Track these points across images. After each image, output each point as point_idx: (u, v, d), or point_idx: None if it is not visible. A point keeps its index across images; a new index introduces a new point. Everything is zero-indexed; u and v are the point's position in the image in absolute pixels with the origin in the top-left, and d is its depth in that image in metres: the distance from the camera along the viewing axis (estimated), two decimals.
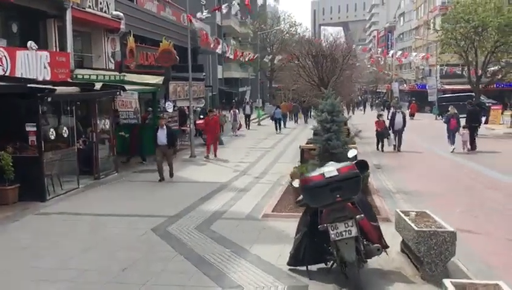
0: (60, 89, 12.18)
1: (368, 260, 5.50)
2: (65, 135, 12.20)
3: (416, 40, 67.45)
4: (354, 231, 5.10)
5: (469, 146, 18.34)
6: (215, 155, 17.44)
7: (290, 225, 7.96)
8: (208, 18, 31.81)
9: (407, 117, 37.79)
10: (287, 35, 49.32)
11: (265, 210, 9.18)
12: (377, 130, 18.05)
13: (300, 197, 5.89)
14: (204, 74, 27.39)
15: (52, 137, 11.67)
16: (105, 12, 18.68)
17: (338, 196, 5.13)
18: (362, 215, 5.23)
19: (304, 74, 12.02)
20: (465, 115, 19.67)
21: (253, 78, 63.14)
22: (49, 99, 11.14)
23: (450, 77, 54.33)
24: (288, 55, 20.82)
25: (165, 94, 20.33)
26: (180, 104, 21.23)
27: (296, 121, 37.75)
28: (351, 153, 5.99)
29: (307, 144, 14.57)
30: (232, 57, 31.05)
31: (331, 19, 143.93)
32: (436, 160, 16.91)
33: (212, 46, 35.19)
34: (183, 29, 23.37)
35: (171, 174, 13.27)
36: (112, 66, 19.94)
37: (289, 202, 9.88)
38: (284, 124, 32.01)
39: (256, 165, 16.14)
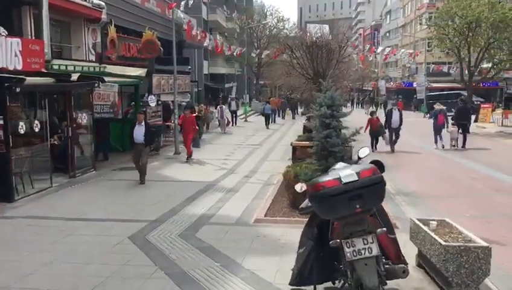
0: (31, 80, 11.13)
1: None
2: (36, 130, 11.12)
3: (403, 38, 67.17)
4: (375, 249, 4.15)
5: (458, 143, 18.03)
6: (187, 158, 15.47)
7: (286, 232, 7.11)
8: (194, 12, 30.76)
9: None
10: (275, 30, 48.37)
11: (257, 214, 8.28)
12: (371, 129, 17.15)
13: (304, 204, 4.97)
14: (190, 67, 26.30)
15: (22, 131, 10.59)
16: (85, 0, 17.54)
17: (358, 206, 4.13)
18: (384, 229, 4.29)
19: (298, 66, 11.14)
20: (453, 113, 19.60)
21: (240, 74, 62.25)
22: (18, 89, 10.07)
23: (436, 75, 54.11)
24: (279, 47, 19.72)
25: (149, 88, 19.25)
26: (165, 99, 20.17)
27: (283, 117, 37.14)
28: (362, 152, 5.09)
29: (297, 140, 13.71)
30: (219, 50, 29.97)
31: (317, 16, 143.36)
32: (432, 159, 16.20)
33: (198, 39, 34.23)
34: (168, 22, 22.32)
35: (142, 178, 11.62)
36: (92, 57, 18.85)
37: (282, 205, 9.01)
38: (274, 120, 32.04)
39: (244, 163, 15.24)
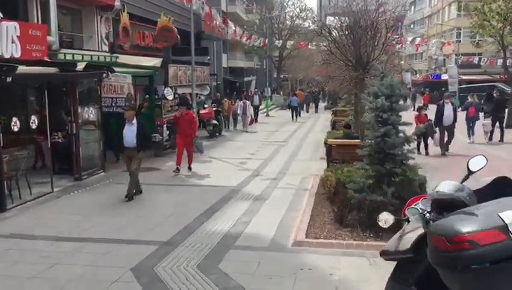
0: (28, 69, 9.64)
1: None
2: (33, 126, 9.61)
3: (429, 28, 64.54)
4: None
5: (491, 137, 16.72)
6: (190, 168, 12.16)
7: (337, 262, 5.43)
8: (213, 3, 29.22)
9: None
10: (297, 20, 46.44)
11: (295, 234, 6.58)
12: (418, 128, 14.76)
13: (392, 245, 3.23)
14: (209, 57, 24.64)
15: (16, 129, 9.09)
16: None
17: None
18: None
19: (338, 52, 9.40)
20: (484, 104, 18.68)
21: (259, 67, 60.44)
22: (9, 79, 8.55)
23: (465, 67, 51.56)
24: (305, 37, 17.45)
25: (165, 80, 17.68)
26: (182, 91, 18.61)
27: (307, 111, 35.54)
28: (476, 163, 3.31)
29: (331, 138, 11.96)
30: (243, 40, 28.20)
31: (337, 8, 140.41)
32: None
33: (217, 30, 32.58)
34: (186, 12, 20.71)
35: (128, 191, 9.09)
36: (106, 48, 17.41)
37: (324, 219, 7.30)
38: (299, 113, 31.02)
39: (270, 163, 13.55)
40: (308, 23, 49.72)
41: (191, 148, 12.23)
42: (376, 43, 9.31)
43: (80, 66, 11.67)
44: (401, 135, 6.69)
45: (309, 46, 41.24)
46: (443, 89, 47.68)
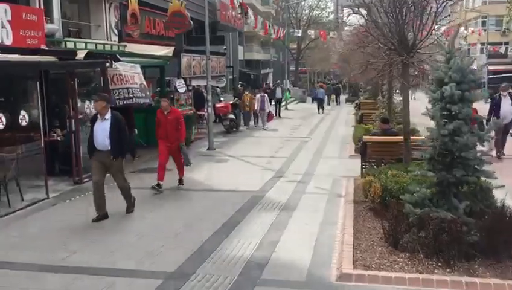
0: (15, 57, 8.37)
1: None
2: (23, 123, 8.31)
3: (452, 16, 62.12)
4: None
5: None
6: (181, 182, 9.37)
7: None
8: None
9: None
10: (317, 10, 44.66)
11: (339, 261, 5.12)
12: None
13: None
14: (225, 47, 23.17)
15: (1, 126, 7.81)
16: None
17: None
18: None
19: (377, 33, 7.90)
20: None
21: (275, 60, 58.82)
22: None
23: (491, 56, 49.29)
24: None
25: (178, 71, 16.30)
26: (196, 83, 17.23)
27: (328, 104, 34.01)
28: None
29: (364, 133, 10.44)
30: (261, 31, 26.52)
31: (353, 1, 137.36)
32: None
33: (233, 21, 31.13)
34: (201, 0, 19.29)
35: (128, 208, 7.46)
36: (115, 38, 16.13)
37: (372, 239, 5.82)
38: (322, 106, 29.37)
39: (294, 161, 12.10)
40: (326, 13, 48.03)
41: (178, 156, 9.26)
42: (424, 21, 7.81)
43: (80, 55, 10.39)
44: (473, 132, 5.18)
45: (331, 36, 39.74)
46: None
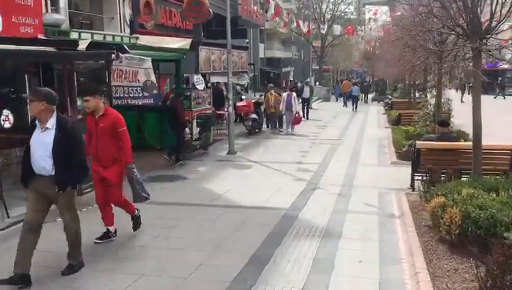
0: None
1: None
2: (6, 125, 6.86)
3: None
4: None
5: None
6: (136, 221, 6.14)
7: None
8: None
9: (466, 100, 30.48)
10: (343, 4, 42.84)
11: None
12: None
13: None
14: (247, 40, 21.58)
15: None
16: None
17: None
18: None
19: (442, 14, 6.22)
20: None
21: (297, 58, 57.09)
22: None
23: None
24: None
25: (196, 66, 14.80)
26: (216, 80, 15.69)
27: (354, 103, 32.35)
28: None
29: (424, 140, 8.72)
30: (292, 26, 24.68)
31: None
32: None
33: (254, 16, 29.66)
34: None
35: (69, 265, 4.91)
36: (129, 31, 14.83)
37: (453, 281, 4.17)
38: (345, 104, 29.60)
39: (328, 169, 10.46)
40: (352, 8, 46.14)
41: (113, 190, 5.77)
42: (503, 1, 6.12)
43: (82, 46, 8.95)
44: None
45: (357, 32, 37.87)
46: (499, 78, 43.18)
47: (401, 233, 5.87)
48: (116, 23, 15.16)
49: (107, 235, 5.83)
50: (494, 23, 6.34)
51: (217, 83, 16.23)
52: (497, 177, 6.90)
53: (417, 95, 20.68)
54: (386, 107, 24.52)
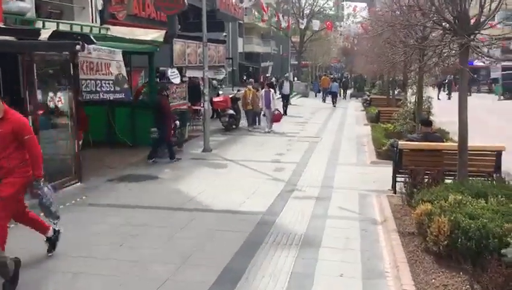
0: None
1: None
2: None
3: None
4: None
5: None
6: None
7: None
8: None
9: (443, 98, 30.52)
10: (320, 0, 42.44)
11: None
12: None
13: None
14: (225, 33, 20.97)
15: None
16: None
17: None
18: None
19: (427, 7, 5.84)
20: None
21: (276, 53, 56.60)
22: None
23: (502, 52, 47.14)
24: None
25: (171, 59, 14.19)
26: (192, 74, 15.14)
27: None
28: None
29: (407, 140, 8.36)
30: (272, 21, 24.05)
31: None
32: None
33: (233, 9, 29.03)
34: None
35: None
36: (100, 22, 14.10)
37: None
38: (324, 99, 29.75)
39: (306, 169, 10.06)
40: (330, 4, 45.94)
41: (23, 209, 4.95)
42: None
43: (45, 35, 8.32)
44: None
45: (338, 28, 37.59)
46: (474, 76, 43.58)
47: (384, 242, 5.49)
48: (88, 13, 14.41)
49: (53, 241, 5.13)
50: (483, 18, 5.98)
51: (194, 77, 15.68)
52: (482, 179, 6.60)
53: (396, 92, 20.48)
54: (365, 104, 24.31)
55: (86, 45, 8.40)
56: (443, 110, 16.16)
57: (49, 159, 8.33)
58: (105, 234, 5.78)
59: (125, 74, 10.04)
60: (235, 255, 5.09)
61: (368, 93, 29.40)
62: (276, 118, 16.18)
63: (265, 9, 30.18)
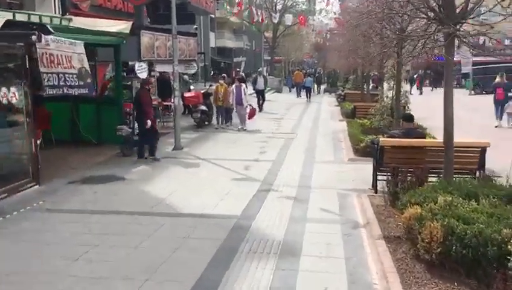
0: None
1: None
2: None
3: None
4: None
5: None
6: None
7: None
8: None
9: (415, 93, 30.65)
10: None
11: None
12: None
13: None
14: (196, 26, 20.31)
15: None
16: None
17: None
18: None
19: None
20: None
21: (248, 48, 56.01)
22: None
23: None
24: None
25: (138, 53, 13.49)
26: (162, 69, 14.48)
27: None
28: None
29: (389, 136, 7.97)
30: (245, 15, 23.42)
31: None
32: None
33: (204, 2, 28.37)
34: None
35: None
36: (61, 12, 13.31)
37: None
38: (299, 94, 29.97)
39: (282, 167, 9.61)
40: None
41: None
42: None
43: None
44: None
45: (310, 22, 37.24)
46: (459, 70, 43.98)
47: (369, 247, 5.08)
48: (50, 4, 13.64)
49: None
50: (470, 6, 5.62)
51: (164, 72, 15.02)
52: (467, 177, 6.30)
53: (370, 86, 20.26)
54: (339, 99, 24.07)
55: (43, 35, 7.73)
56: (417, 105, 15.98)
57: (3, 160, 7.69)
58: (62, 245, 5.18)
59: (88, 67, 9.36)
60: (208, 266, 4.58)
61: (341, 88, 29.20)
62: (250, 114, 15.43)
63: (240, 2, 29.55)
